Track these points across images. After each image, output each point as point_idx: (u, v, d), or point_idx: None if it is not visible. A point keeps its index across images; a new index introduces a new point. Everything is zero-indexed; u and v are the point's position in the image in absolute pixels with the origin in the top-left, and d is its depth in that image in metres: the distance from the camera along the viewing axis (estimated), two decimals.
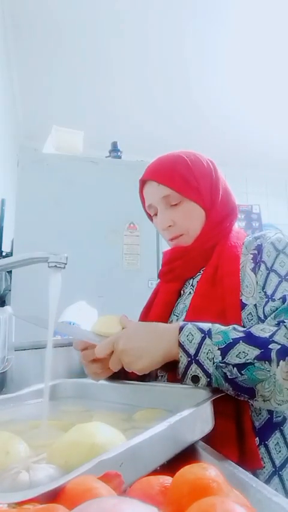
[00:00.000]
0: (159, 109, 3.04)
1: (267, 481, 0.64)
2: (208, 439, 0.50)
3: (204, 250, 0.81)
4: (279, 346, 0.56)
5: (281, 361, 0.56)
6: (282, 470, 0.65)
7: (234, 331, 0.60)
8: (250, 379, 0.57)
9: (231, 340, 0.59)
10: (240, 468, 0.39)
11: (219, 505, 0.25)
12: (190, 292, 0.82)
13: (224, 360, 0.58)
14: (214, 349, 0.59)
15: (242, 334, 0.59)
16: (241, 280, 0.73)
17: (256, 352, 0.57)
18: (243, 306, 0.71)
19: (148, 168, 0.86)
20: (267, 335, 0.58)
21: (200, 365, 0.60)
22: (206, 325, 0.63)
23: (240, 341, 0.58)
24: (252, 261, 0.75)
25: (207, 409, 0.53)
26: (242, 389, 0.58)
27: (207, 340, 0.60)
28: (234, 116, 3.13)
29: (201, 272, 0.82)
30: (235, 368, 0.57)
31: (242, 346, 0.58)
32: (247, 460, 0.60)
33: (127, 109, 3.02)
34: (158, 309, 0.85)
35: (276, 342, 0.57)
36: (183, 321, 0.76)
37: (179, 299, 0.85)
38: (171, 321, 0.83)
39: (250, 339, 0.58)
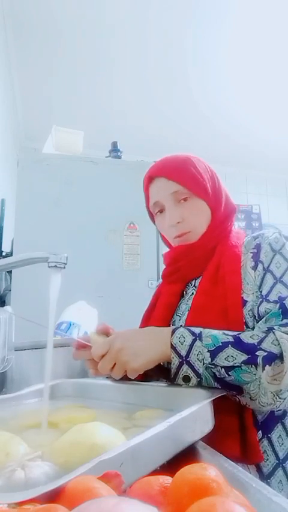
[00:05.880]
0: (159, 109, 3.04)
1: (271, 473, 0.65)
2: (211, 434, 0.51)
3: (207, 249, 0.83)
4: (265, 353, 0.59)
5: (267, 365, 0.58)
6: (286, 463, 0.66)
7: (224, 335, 0.63)
8: (236, 380, 0.60)
9: (221, 344, 0.62)
10: (240, 468, 0.39)
11: (219, 505, 0.25)
12: (193, 293, 0.83)
13: (213, 361, 0.61)
14: (204, 350, 0.62)
15: (231, 339, 0.62)
16: (242, 279, 0.75)
17: (243, 357, 0.60)
18: (244, 302, 0.72)
19: (156, 165, 0.87)
20: (255, 341, 0.61)
21: (191, 366, 0.62)
22: (197, 329, 0.66)
23: (229, 345, 0.61)
24: (252, 260, 0.77)
25: (207, 409, 0.53)
26: (230, 387, 0.61)
27: (198, 342, 0.63)
28: (234, 116, 3.13)
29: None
30: (223, 369, 0.60)
31: (230, 350, 0.61)
32: (249, 454, 0.62)
33: (127, 109, 3.02)
34: (160, 311, 0.86)
35: (263, 349, 0.60)
36: (186, 319, 0.78)
37: (182, 300, 0.86)
38: (174, 321, 0.84)
39: (238, 344, 0.61)
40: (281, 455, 0.66)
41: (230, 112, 3.08)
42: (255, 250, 0.77)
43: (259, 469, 0.65)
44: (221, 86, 2.83)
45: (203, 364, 0.61)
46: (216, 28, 2.36)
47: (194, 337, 0.64)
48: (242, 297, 0.73)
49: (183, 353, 0.63)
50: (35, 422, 0.57)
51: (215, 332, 0.64)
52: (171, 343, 0.64)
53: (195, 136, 3.26)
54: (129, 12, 2.23)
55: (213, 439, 0.49)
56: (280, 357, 0.59)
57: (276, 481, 0.65)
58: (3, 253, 2.04)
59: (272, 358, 0.58)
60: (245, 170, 3.90)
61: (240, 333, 0.63)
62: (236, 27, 2.35)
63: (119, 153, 2.34)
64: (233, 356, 0.60)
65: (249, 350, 0.60)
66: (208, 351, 0.62)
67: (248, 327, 0.70)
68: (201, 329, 0.65)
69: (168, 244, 0.91)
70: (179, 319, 0.82)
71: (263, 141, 3.45)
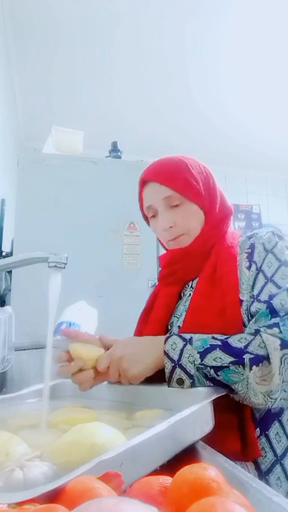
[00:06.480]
0: (159, 109, 3.04)
1: (270, 470, 0.66)
2: (211, 431, 0.51)
3: (203, 251, 0.83)
4: (252, 356, 0.61)
5: (254, 366, 0.60)
6: (284, 459, 0.67)
7: (213, 339, 0.65)
8: (225, 380, 0.61)
9: (209, 346, 0.64)
10: (240, 468, 0.39)
11: (219, 505, 0.25)
12: (190, 294, 0.83)
13: (203, 362, 0.62)
14: (194, 352, 0.64)
15: (219, 343, 0.64)
16: (239, 278, 0.75)
17: (231, 359, 0.61)
18: (240, 302, 0.73)
19: (149, 169, 0.86)
20: (242, 345, 0.62)
21: (183, 368, 0.64)
22: (188, 335, 0.67)
23: (217, 348, 0.63)
24: (247, 260, 0.77)
25: (207, 409, 0.53)
26: (221, 386, 0.62)
27: (188, 346, 0.65)
28: (234, 116, 3.13)
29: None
30: (212, 369, 0.62)
31: (218, 353, 0.62)
32: (247, 450, 0.63)
33: (127, 109, 3.02)
34: (158, 313, 0.86)
35: (250, 352, 0.61)
36: (184, 319, 0.78)
37: (179, 301, 0.86)
38: (172, 322, 0.84)
39: (226, 347, 0.63)
40: (279, 452, 0.67)
41: (230, 112, 3.08)
42: (249, 250, 0.78)
43: (257, 467, 0.66)
44: (221, 85, 2.83)
45: (194, 365, 0.63)
46: (216, 28, 2.36)
47: (184, 343, 0.65)
48: (239, 297, 0.73)
49: (176, 358, 0.64)
50: (35, 422, 0.57)
51: (204, 336, 0.66)
52: (164, 350, 0.66)
53: (195, 137, 3.26)
54: (129, 12, 2.23)
55: (211, 436, 0.50)
56: (267, 358, 0.60)
57: (274, 477, 0.65)
58: (3, 253, 2.04)
59: (259, 360, 0.60)
60: (245, 170, 3.90)
61: (228, 337, 0.64)
62: (236, 27, 2.35)
63: (119, 153, 2.34)
64: (221, 357, 0.62)
65: (237, 353, 0.61)
66: (198, 353, 0.63)
67: (245, 326, 0.71)
68: (192, 335, 0.67)
69: (164, 247, 0.91)
70: (177, 320, 0.82)
71: (263, 141, 3.44)
